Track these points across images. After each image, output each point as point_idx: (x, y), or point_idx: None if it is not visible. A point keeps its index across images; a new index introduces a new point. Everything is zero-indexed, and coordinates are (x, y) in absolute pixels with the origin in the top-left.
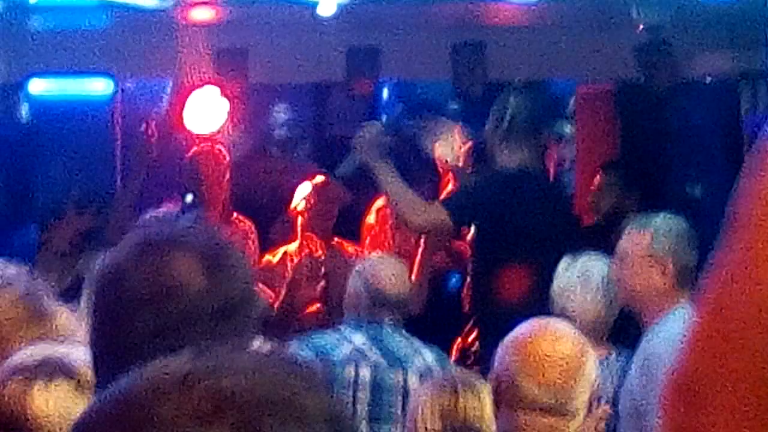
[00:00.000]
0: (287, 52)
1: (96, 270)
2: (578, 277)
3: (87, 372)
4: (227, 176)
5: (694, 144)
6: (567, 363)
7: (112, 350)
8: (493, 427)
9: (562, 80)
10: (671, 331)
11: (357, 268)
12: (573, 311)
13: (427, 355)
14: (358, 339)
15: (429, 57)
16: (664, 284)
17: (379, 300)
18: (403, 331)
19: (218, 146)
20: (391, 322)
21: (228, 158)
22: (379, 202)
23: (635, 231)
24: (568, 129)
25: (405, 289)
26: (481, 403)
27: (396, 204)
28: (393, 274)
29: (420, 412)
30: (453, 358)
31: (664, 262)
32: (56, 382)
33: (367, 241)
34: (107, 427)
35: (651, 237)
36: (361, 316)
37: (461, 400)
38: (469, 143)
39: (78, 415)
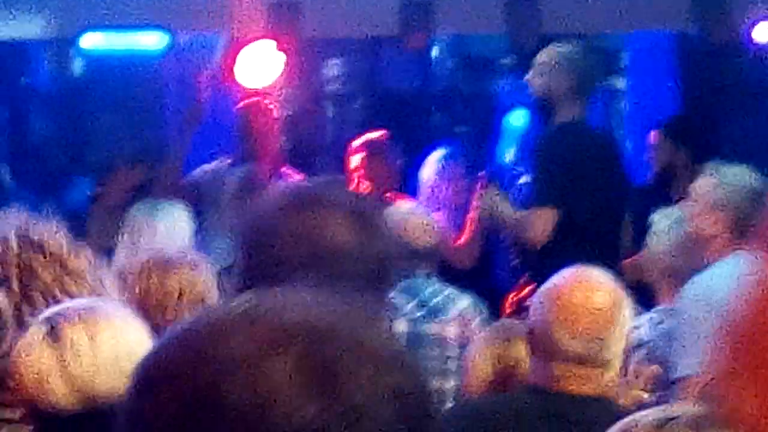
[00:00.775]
0: (341, 6)
1: (242, 231)
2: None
3: None
4: (276, 130)
5: (751, 100)
6: (601, 313)
7: None
8: None
9: (616, 34)
10: (721, 275)
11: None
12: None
13: (463, 302)
14: (394, 289)
15: (483, 11)
16: (721, 233)
17: (408, 251)
18: (437, 281)
19: (267, 100)
20: (424, 273)
21: (277, 113)
22: (434, 155)
23: (704, 177)
24: (621, 84)
25: (434, 239)
26: None
27: (517, 229)
28: (422, 225)
29: (474, 360)
30: (508, 311)
31: (721, 211)
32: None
33: (422, 196)
34: (174, 362)
35: (714, 185)
36: (396, 266)
37: (513, 349)
38: None
39: None
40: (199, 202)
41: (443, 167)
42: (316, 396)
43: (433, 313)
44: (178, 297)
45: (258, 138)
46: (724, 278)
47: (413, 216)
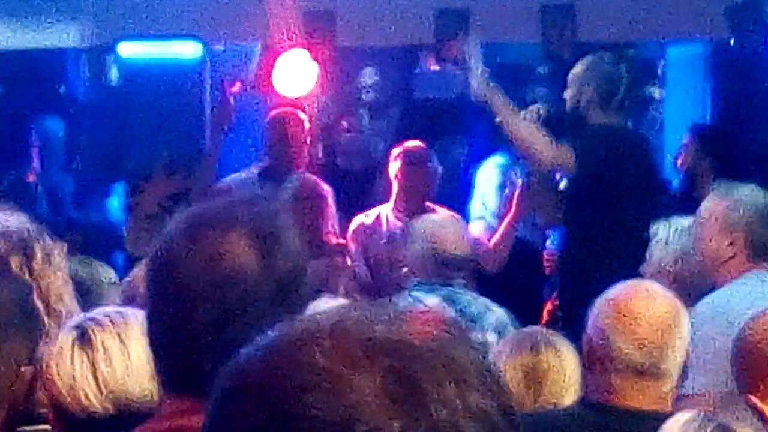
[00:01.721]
0: (376, 15)
1: (148, 258)
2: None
3: None
4: (307, 140)
5: None
6: (661, 323)
7: (173, 342)
8: (573, 388)
9: (652, 42)
10: (739, 294)
11: (416, 230)
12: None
13: (499, 313)
14: (432, 301)
15: (518, 19)
16: (733, 254)
17: (446, 261)
18: (471, 291)
19: (298, 110)
20: (460, 282)
21: (308, 122)
22: (489, 162)
23: (715, 197)
24: (657, 92)
25: (468, 248)
26: (562, 362)
27: (523, 140)
28: (455, 234)
29: (501, 368)
30: (543, 320)
31: (736, 232)
32: None
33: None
34: (260, 371)
35: (728, 206)
36: (430, 277)
37: (542, 357)
38: None
39: None
40: None
41: (496, 175)
42: (402, 412)
43: (472, 321)
44: None
45: (286, 147)
46: (742, 297)
47: (446, 226)
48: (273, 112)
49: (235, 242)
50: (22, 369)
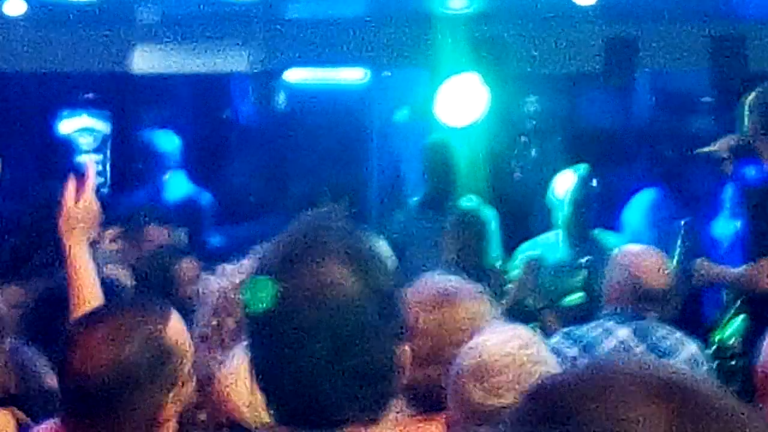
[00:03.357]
0: (543, 42)
1: (240, 289)
2: None
3: None
4: (467, 167)
5: None
6: None
7: (289, 378)
8: None
9: None
10: None
11: (618, 260)
12: None
13: (692, 347)
14: (623, 333)
15: (686, 49)
16: None
17: (644, 294)
18: (667, 325)
19: (454, 137)
20: (656, 316)
21: (469, 148)
22: (641, 196)
23: None
24: None
25: (670, 283)
26: None
27: (741, 284)
28: (658, 267)
29: None
30: (711, 350)
31: None
32: None
33: (626, 231)
34: (574, 386)
35: None
36: (625, 309)
37: None
38: None
39: None
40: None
41: (648, 209)
42: None
43: (664, 356)
44: None
45: (447, 174)
46: None
47: (647, 257)
48: (429, 139)
49: (334, 270)
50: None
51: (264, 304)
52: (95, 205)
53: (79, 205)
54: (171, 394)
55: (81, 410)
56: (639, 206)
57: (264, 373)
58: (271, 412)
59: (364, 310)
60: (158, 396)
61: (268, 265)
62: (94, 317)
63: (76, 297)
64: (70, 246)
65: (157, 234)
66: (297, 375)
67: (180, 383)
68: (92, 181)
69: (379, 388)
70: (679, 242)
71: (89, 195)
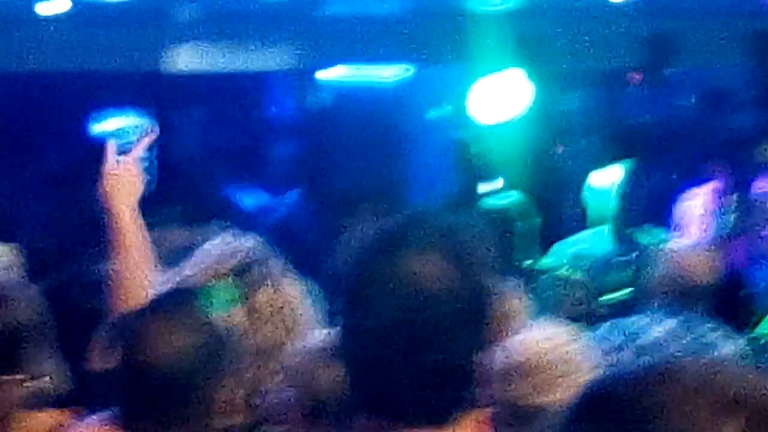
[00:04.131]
0: (582, 39)
1: (338, 276)
2: None
3: None
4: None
5: None
6: None
7: (374, 367)
8: None
9: None
10: None
11: (666, 255)
12: None
13: (737, 342)
14: (669, 325)
15: (725, 45)
16: None
17: (690, 288)
18: (712, 320)
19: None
20: (702, 311)
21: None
22: (697, 190)
23: None
24: None
25: (716, 278)
26: None
27: None
28: (705, 263)
29: None
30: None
31: None
32: None
33: (678, 227)
34: (638, 387)
35: None
36: (672, 303)
37: None
38: None
39: None
40: None
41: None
42: None
43: (709, 348)
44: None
45: (477, 171)
46: None
47: (695, 253)
48: (461, 136)
49: (431, 261)
50: None
51: (225, 309)
52: (135, 167)
53: (120, 167)
54: (233, 379)
55: (146, 402)
56: (685, 202)
57: (351, 359)
58: (356, 399)
59: (455, 306)
60: (221, 382)
61: (363, 249)
62: (152, 307)
63: (123, 260)
64: (114, 207)
65: None
66: (384, 367)
67: (240, 367)
68: (137, 152)
69: (453, 392)
70: (732, 211)
71: (129, 158)
